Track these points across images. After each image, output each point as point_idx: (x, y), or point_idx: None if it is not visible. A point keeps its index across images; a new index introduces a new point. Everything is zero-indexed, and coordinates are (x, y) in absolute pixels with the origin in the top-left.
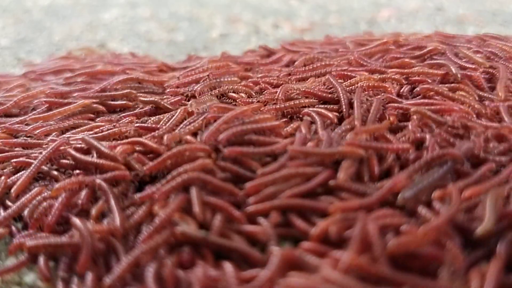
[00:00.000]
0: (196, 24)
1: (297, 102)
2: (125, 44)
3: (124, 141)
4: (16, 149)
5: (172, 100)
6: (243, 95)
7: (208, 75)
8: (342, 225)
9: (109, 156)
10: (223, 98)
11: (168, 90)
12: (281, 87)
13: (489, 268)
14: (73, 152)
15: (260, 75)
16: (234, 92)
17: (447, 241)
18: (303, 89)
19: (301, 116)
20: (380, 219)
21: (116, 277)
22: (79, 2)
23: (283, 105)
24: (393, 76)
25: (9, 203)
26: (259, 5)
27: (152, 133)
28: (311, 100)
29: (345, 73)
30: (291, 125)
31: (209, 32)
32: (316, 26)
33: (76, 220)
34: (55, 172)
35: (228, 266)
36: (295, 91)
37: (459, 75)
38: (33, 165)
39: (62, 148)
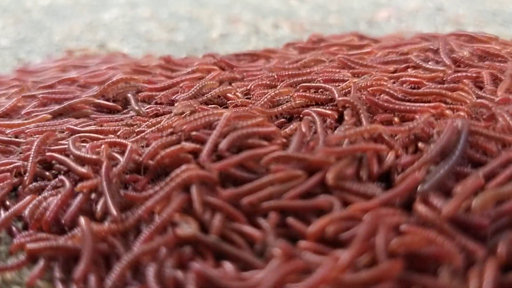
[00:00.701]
0: (196, 24)
1: (285, 106)
2: (125, 44)
3: (102, 141)
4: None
5: (146, 110)
6: (239, 94)
7: (181, 87)
8: (341, 224)
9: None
10: (220, 98)
11: (142, 94)
12: (267, 94)
13: (487, 268)
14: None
15: (250, 78)
16: (230, 92)
17: (444, 241)
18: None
19: (301, 116)
20: (381, 218)
21: (115, 278)
22: (79, 2)
23: (273, 111)
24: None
25: (9, 204)
26: (259, 5)
27: (139, 135)
28: (301, 101)
29: (333, 77)
30: (290, 126)
31: (209, 32)
32: (316, 26)
33: (82, 221)
34: (47, 173)
35: (228, 266)
36: (285, 96)
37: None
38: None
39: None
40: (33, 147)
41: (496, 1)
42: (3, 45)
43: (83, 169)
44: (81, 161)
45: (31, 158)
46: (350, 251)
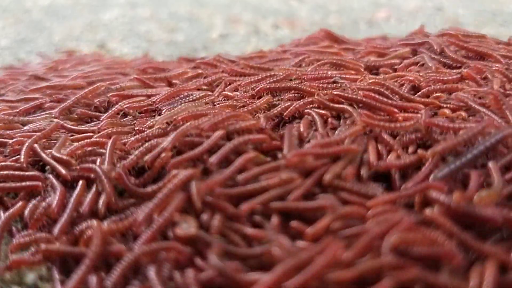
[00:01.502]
0: (196, 24)
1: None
2: (125, 44)
3: (84, 142)
4: None
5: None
6: (237, 93)
7: (154, 101)
8: (342, 223)
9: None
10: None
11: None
12: (263, 98)
13: (487, 267)
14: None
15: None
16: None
17: (444, 240)
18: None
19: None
20: (383, 216)
21: (115, 278)
22: (79, 2)
23: (271, 114)
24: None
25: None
26: (259, 5)
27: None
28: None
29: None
30: (290, 126)
31: (209, 32)
32: (316, 26)
33: (93, 223)
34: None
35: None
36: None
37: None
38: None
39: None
40: (24, 148)
41: (496, 1)
42: (3, 45)
43: (62, 170)
44: (58, 161)
45: (22, 159)
46: (353, 249)
